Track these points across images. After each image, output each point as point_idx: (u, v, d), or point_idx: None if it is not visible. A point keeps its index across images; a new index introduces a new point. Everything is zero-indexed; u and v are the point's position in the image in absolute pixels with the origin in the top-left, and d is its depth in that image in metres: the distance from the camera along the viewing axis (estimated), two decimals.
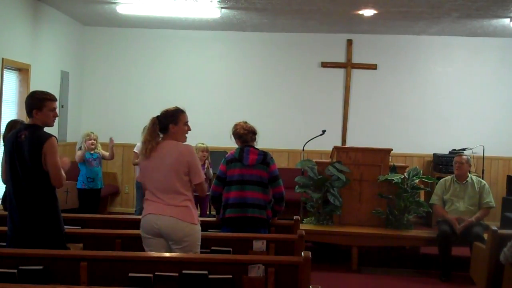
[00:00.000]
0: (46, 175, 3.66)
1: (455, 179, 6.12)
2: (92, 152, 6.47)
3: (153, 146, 3.72)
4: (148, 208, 3.71)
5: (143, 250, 3.70)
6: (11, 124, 4.83)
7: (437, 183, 6.37)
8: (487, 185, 6.11)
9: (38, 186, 3.66)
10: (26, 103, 3.76)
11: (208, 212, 7.04)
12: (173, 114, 3.79)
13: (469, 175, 6.17)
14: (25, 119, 4.60)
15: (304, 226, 5.90)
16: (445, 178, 6.28)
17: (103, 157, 6.67)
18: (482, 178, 7.98)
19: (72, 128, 8.36)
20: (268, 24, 8.31)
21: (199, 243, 3.75)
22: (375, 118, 8.92)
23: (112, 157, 6.79)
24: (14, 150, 3.66)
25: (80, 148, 6.50)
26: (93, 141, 6.47)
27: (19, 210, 3.63)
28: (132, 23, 8.63)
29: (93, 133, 6.58)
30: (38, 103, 3.72)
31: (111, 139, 6.66)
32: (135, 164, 7.34)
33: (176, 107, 3.87)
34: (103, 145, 6.83)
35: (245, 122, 4.70)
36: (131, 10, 7.49)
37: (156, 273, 3.17)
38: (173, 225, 3.62)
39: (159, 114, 3.82)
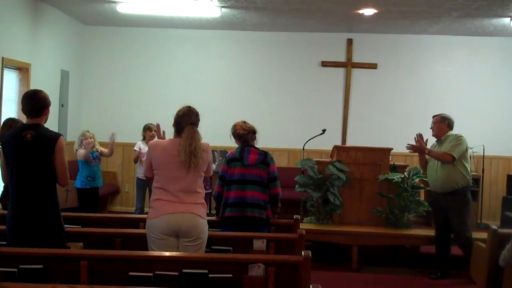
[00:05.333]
0: (52, 173, 3.67)
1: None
2: (90, 150, 6.47)
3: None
4: (164, 208, 3.60)
5: (143, 249, 3.67)
6: (10, 123, 4.80)
7: None
8: (459, 136, 5.57)
9: (44, 184, 3.65)
10: (34, 102, 3.72)
11: (208, 211, 7.04)
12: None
13: (451, 134, 5.66)
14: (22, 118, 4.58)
15: (304, 225, 5.90)
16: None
17: (102, 154, 6.66)
18: (482, 177, 8.01)
19: (72, 127, 8.36)
20: (268, 23, 8.30)
21: None
22: (375, 118, 8.92)
23: (111, 153, 6.74)
24: (19, 150, 3.64)
25: (78, 149, 6.49)
26: (90, 139, 6.48)
27: (23, 208, 3.61)
28: (132, 22, 8.63)
29: (88, 131, 6.59)
30: (48, 102, 3.77)
31: (113, 134, 6.62)
32: (136, 162, 7.31)
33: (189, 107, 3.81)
34: (101, 143, 6.80)
35: (244, 122, 4.64)
36: (131, 9, 7.50)
37: (156, 272, 3.16)
38: (194, 222, 3.62)
39: (191, 118, 3.70)
